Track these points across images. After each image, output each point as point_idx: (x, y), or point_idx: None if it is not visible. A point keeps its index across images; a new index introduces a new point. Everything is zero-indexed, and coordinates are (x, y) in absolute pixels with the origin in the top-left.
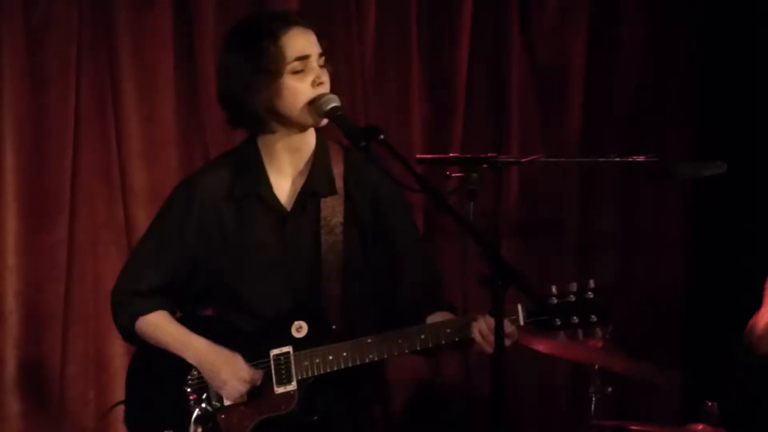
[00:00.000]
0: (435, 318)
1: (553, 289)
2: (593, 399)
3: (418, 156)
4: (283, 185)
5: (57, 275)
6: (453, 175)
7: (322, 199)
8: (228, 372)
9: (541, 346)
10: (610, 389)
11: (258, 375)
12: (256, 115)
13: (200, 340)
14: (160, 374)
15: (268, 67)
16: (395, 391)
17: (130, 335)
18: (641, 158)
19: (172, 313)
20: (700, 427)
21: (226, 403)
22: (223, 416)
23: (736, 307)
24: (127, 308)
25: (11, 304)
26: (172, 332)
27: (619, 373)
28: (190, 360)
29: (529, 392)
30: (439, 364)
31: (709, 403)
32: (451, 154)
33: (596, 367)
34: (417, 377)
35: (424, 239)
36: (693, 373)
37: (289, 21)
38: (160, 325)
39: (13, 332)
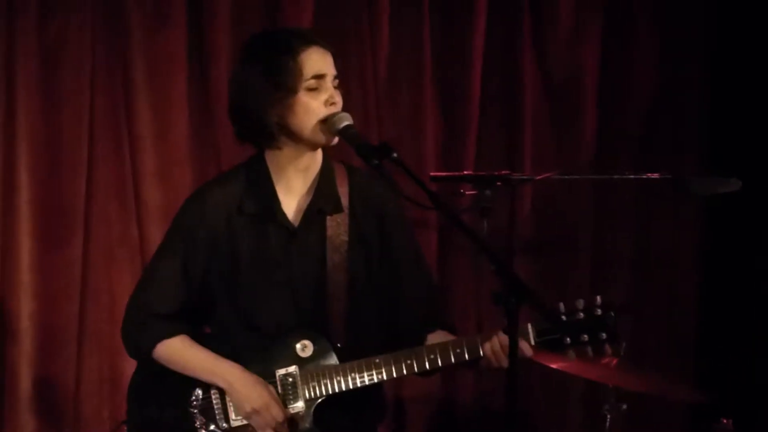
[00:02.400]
0: (435, 337)
1: (561, 306)
2: (608, 417)
3: (431, 174)
4: (290, 202)
5: (71, 293)
6: (466, 192)
7: (328, 218)
8: (261, 405)
9: (555, 363)
10: (624, 407)
11: (286, 413)
12: (268, 129)
13: (232, 366)
14: (160, 395)
15: (286, 82)
16: (409, 407)
17: (146, 358)
18: (656, 175)
19: (192, 336)
20: None
21: (234, 424)
22: None
23: (750, 324)
24: (148, 331)
25: (25, 322)
26: (199, 357)
27: (633, 390)
28: (220, 384)
29: (543, 410)
30: (453, 381)
31: (724, 420)
32: (464, 172)
33: (611, 384)
34: (431, 393)
35: (438, 257)
36: (708, 390)
37: (308, 39)
38: (186, 350)
39: (27, 350)
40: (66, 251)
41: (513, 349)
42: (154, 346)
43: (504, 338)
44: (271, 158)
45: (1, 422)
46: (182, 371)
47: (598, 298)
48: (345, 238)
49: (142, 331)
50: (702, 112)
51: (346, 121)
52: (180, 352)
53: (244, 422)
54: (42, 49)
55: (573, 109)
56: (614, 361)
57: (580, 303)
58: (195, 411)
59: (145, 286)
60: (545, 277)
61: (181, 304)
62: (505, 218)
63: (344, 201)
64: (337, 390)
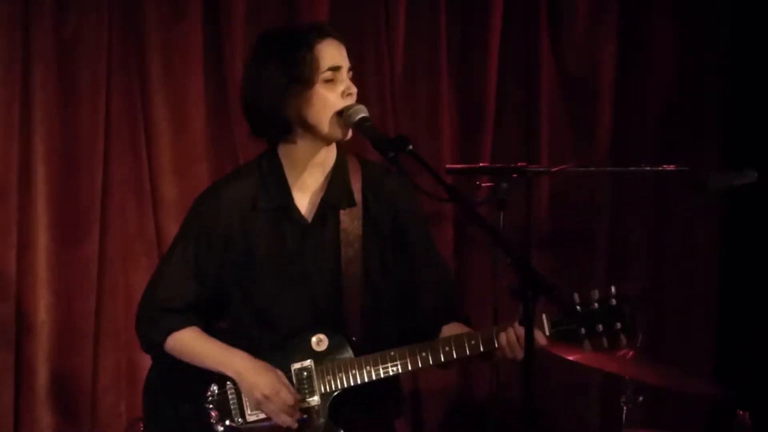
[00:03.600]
0: (451, 329)
1: (576, 297)
2: (624, 409)
3: (447, 166)
4: (304, 198)
5: (88, 288)
6: (483, 184)
7: (342, 212)
8: (271, 390)
9: (571, 356)
10: (641, 399)
11: (297, 396)
12: (285, 123)
13: (242, 354)
14: (176, 391)
15: (303, 74)
16: (427, 401)
17: (158, 351)
18: (672, 167)
19: (203, 328)
20: None
21: (249, 419)
22: None
23: None
24: (159, 324)
25: (43, 317)
26: (209, 347)
27: (650, 383)
28: (230, 374)
29: (560, 402)
30: (469, 374)
31: (741, 413)
32: (480, 164)
33: (627, 376)
34: (448, 387)
35: (455, 250)
36: (725, 383)
37: (323, 32)
38: (196, 341)
39: (44, 345)
40: (83, 246)
41: (529, 342)
42: (165, 338)
43: (520, 330)
44: (285, 153)
45: (18, 416)
46: (192, 362)
47: (613, 288)
48: (359, 232)
49: (153, 325)
50: (719, 106)
51: (362, 113)
52: (190, 343)
53: (260, 416)
54: (58, 45)
55: (589, 101)
56: (630, 353)
57: (595, 293)
58: (210, 406)
59: (158, 282)
60: (562, 269)
61: (193, 299)
62: (521, 210)
63: (357, 195)
64: (352, 383)
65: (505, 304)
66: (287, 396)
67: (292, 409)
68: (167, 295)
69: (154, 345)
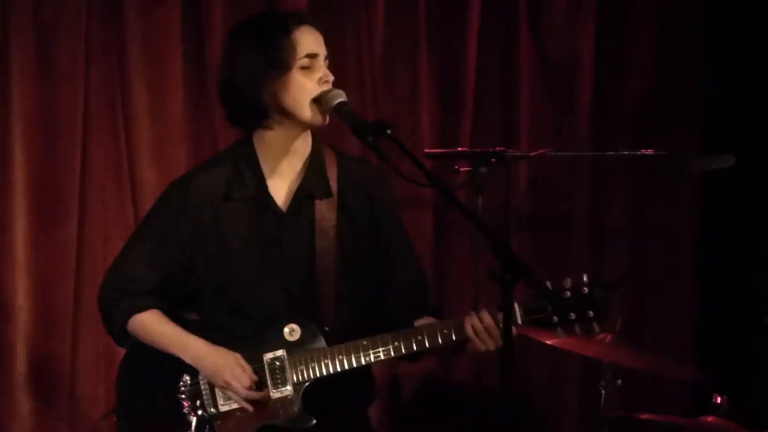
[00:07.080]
0: (422, 322)
1: (548, 285)
2: (603, 393)
3: (426, 150)
4: (279, 186)
5: (67, 272)
6: (461, 169)
7: (317, 202)
8: (229, 373)
9: (550, 340)
10: (619, 382)
11: (253, 378)
12: (261, 108)
13: (198, 341)
14: (149, 382)
15: (280, 59)
16: (404, 385)
17: (122, 334)
18: (651, 152)
19: (166, 313)
20: (710, 419)
21: (222, 409)
22: (219, 422)
23: (747, 300)
24: (120, 305)
25: (21, 301)
26: (168, 332)
27: (629, 367)
28: (188, 360)
29: (538, 387)
30: (448, 359)
31: (719, 397)
32: (459, 149)
33: (606, 361)
34: (426, 372)
35: (434, 235)
36: (705, 367)
37: (300, 19)
38: (156, 324)
39: (23, 329)
40: (61, 230)
41: (507, 324)
42: (127, 319)
43: (486, 318)
44: (260, 141)
45: None
46: (153, 345)
47: (585, 276)
48: (333, 222)
49: (115, 305)
50: (698, 90)
51: (341, 98)
52: (151, 325)
53: (233, 407)
54: (36, 27)
55: (569, 85)
56: (609, 338)
57: (567, 282)
58: (183, 396)
59: (122, 264)
60: (541, 253)
61: (156, 285)
62: (500, 195)
63: (333, 185)
64: (324, 373)
65: (486, 289)
66: (244, 379)
67: (250, 392)
68: (131, 277)
69: (116, 325)
